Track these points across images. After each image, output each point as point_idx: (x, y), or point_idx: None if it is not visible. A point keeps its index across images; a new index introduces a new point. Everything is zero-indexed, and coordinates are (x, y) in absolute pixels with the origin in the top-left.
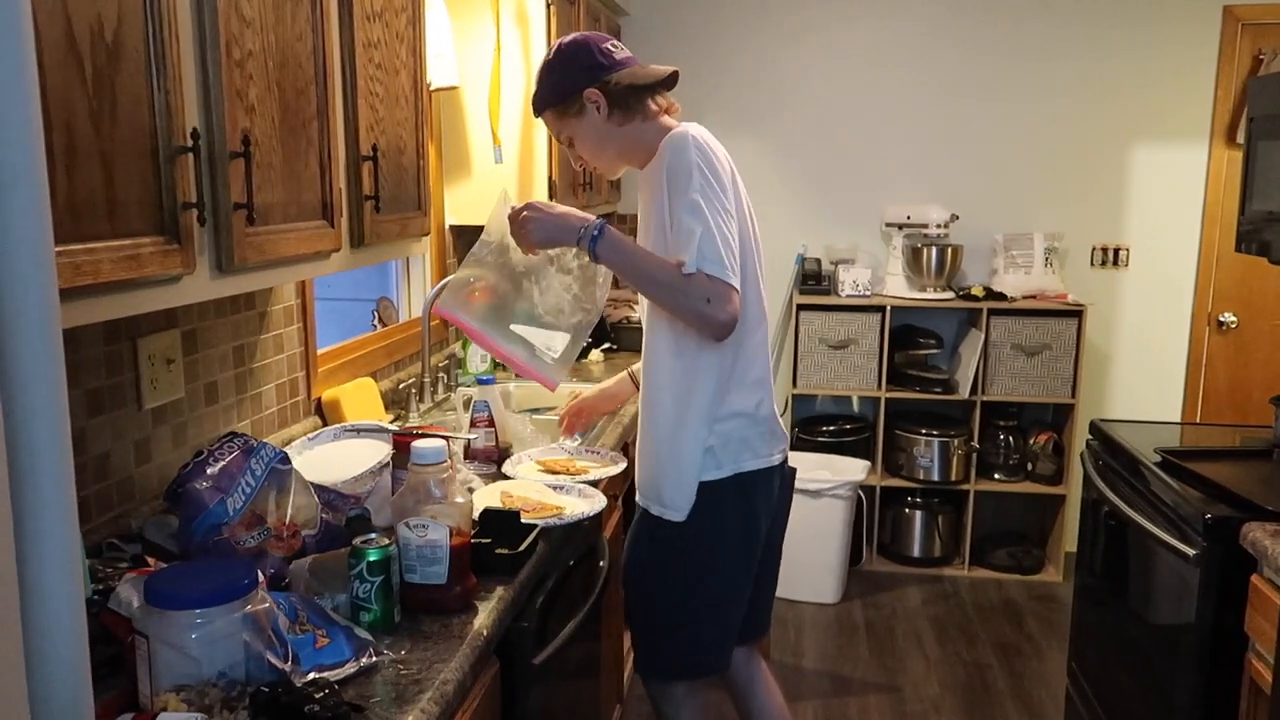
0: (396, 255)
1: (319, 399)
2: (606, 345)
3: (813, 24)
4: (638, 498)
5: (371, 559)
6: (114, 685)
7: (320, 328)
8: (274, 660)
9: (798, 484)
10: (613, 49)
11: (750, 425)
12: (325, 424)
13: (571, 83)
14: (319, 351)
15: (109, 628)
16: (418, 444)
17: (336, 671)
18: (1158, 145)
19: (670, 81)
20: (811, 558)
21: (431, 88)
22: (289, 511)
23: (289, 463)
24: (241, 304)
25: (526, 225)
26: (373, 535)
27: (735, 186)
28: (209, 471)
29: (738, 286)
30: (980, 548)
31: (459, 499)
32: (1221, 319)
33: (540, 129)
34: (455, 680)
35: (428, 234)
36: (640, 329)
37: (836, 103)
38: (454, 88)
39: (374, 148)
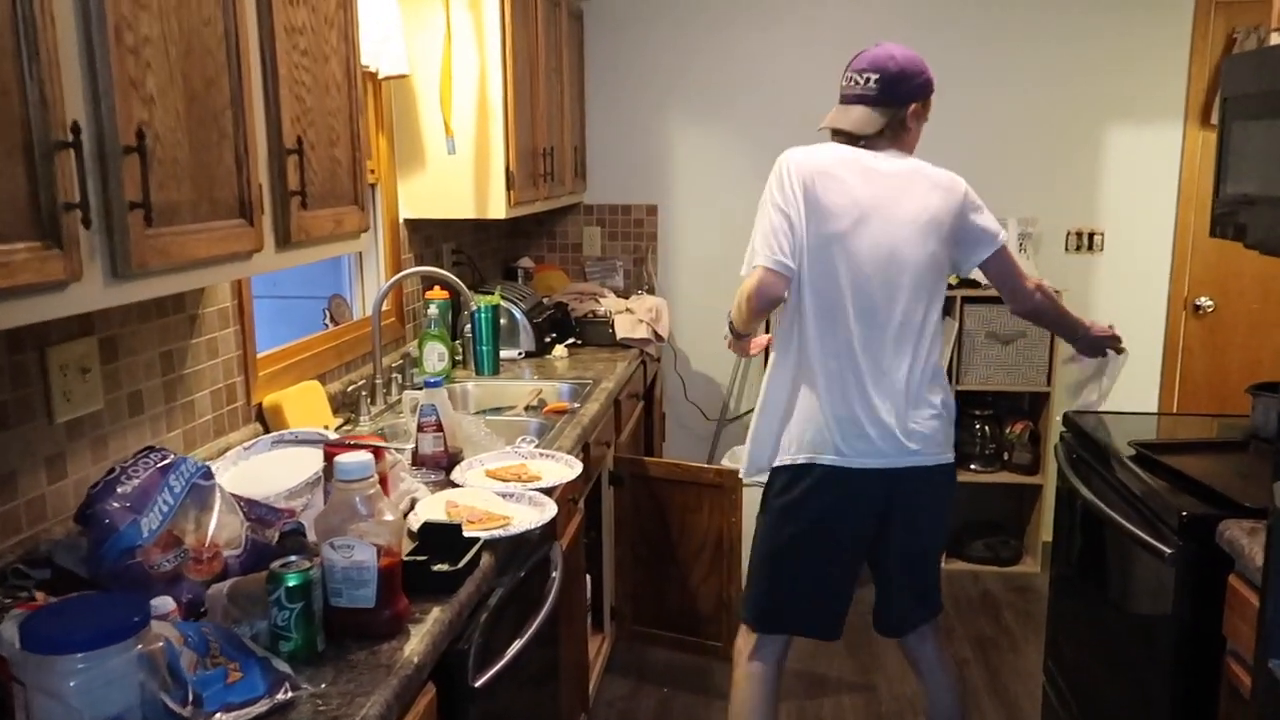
0: (331, 254)
1: (260, 405)
2: (571, 340)
3: (781, 10)
4: None
5: (290, 584)
6: None
7: (271, 328)
8: (170, 704)
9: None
10: None
11: (815, 422)
12: (267, 431)
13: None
14: (261, 354)
15: None
16: (340, 459)
17: (247, 710)
18: (1131, 127)
19: None
20: None
21: (380, 76)
22: (210, 531)
23: (212, 477)
24: (169, 307)
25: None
26: (293, 558)
27: (803, 187)
28: (121, 490)
29: (764, 264)
30: (957, 539)
31: (388, 515)
32: (1198, 304)
33: (496, 118)
34: (376, 716)
35: (366, 229)
36: (605, 323)
37: (806, 90)
38: (404, 76)
39: (300, 140)
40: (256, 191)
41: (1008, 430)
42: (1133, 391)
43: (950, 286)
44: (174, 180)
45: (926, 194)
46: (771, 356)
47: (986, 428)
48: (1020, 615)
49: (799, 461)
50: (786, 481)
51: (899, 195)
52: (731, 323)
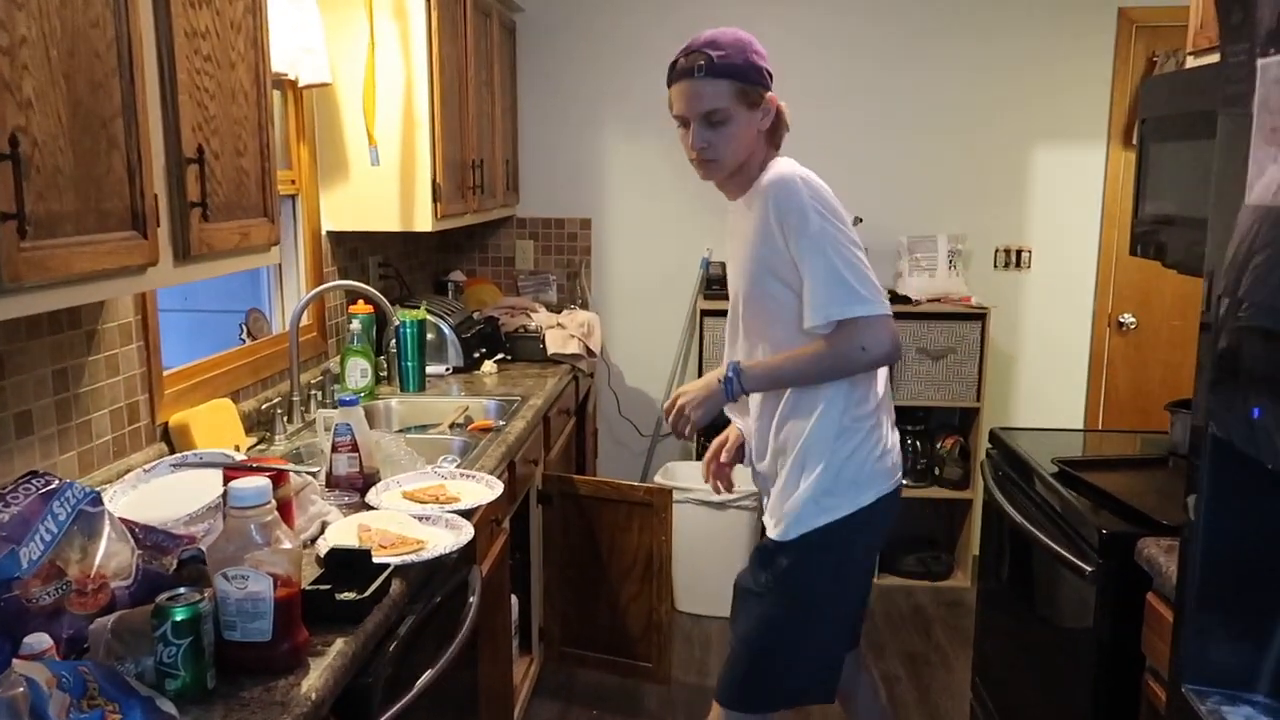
0: (238, 268)
1: (165, 424)
2: (500, 356)
3: (714, 22)
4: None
5: (177, 619)
6: None
7: (187, 343)
8: None
9: (703, 496)
10: None
11: (889, 440)
12: (173, 452)
13: (764, 76)
14: (169, 371)
15: None
16: (234, 484)
17: None
18: (1058, 147)
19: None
20: (718, 571)
21: (300, 85)
22: (97, 560)
23: (101, 504)
24: (63, 322)
25: (687, 415)
26: (181, 591)
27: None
28: None
29: (882, 310)
30: (889, 554)
31: (286, 544)
32: (1121, 320)
33: (423, 129)
34: None
35: (277, 243)
36: (535, 338)
37: None
38: (325, 85)
39: (201, 149)
40: (151, 202)
41: (938, 445)
42: (1059, 406)
43: None
44: (55, 190)
45: None
46: (808, 400)
47: (917, 443)
48: (950, 631)
49: (891, 487)
50: (869, 516)
51: None
52: (743, 385)
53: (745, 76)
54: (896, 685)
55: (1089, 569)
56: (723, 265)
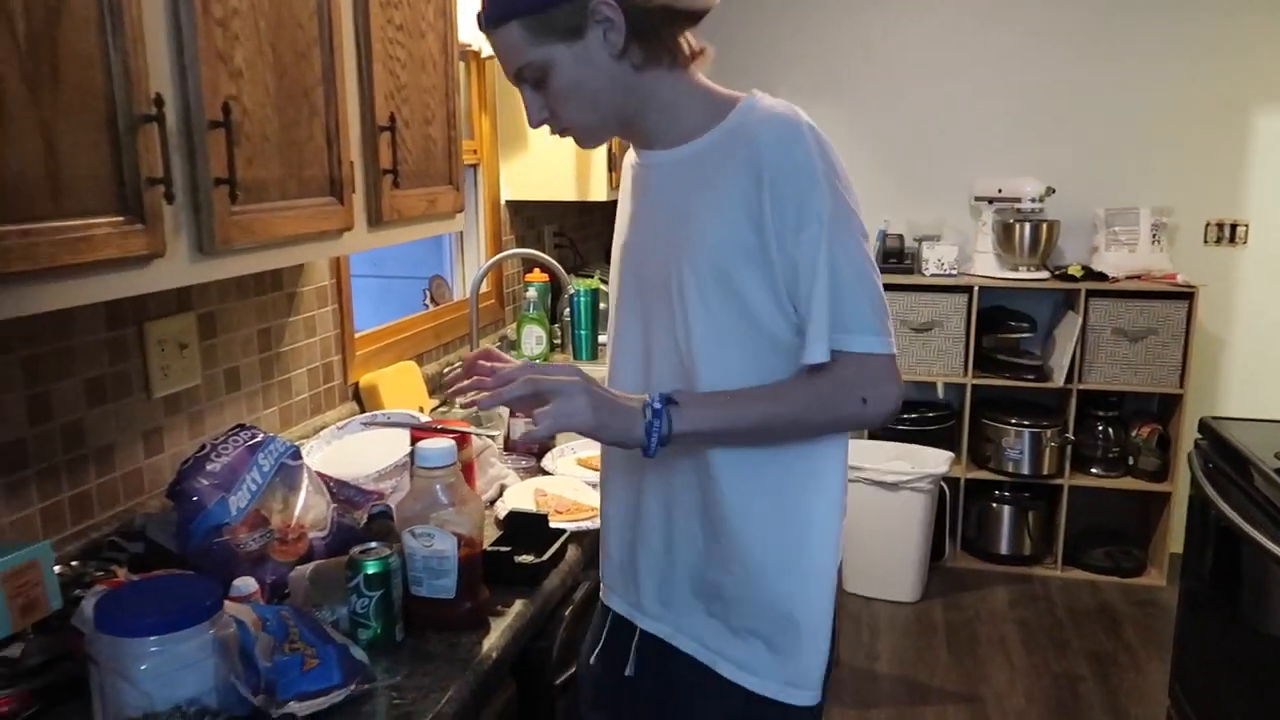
0: (425, 234)
1: (356, 384)
2: None
3: None
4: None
5: (369, 571)
6: (77, 710)
7: (372, 307)
8: (243, 691)
9: (876, 476)
10: None
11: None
12: (363, 410)
13: None
14: (359, 334)
15: (72, 645)
16: (421, 445)
17: (321, 700)
18: None
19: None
20: (889, 553)
21: (484, 55)
22: (297, 511)
23: (300, 458)
24: (267, 284)
25: (542, 425)
26: (373, 545)
27: None
28: (210, 468)
29: (894, 349)
30: (1074, 546)
31: (470, 504)
32: None
33: None
34: (452, 714)
35: (461, 210)
36: None
37: (923, 66)
38: None
39: (393, 117)
40: (348, 169)
41: (1134, 433)
42: (1276, 395)
43: (1074, 279)
44: (262, 157)
45: None
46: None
47: (1110, 430)
48: (1143, 630)
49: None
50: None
51: None
52: (673, 429)
53: (528, 4)
54: (1081, 684)
55: None
56: (900, 237)
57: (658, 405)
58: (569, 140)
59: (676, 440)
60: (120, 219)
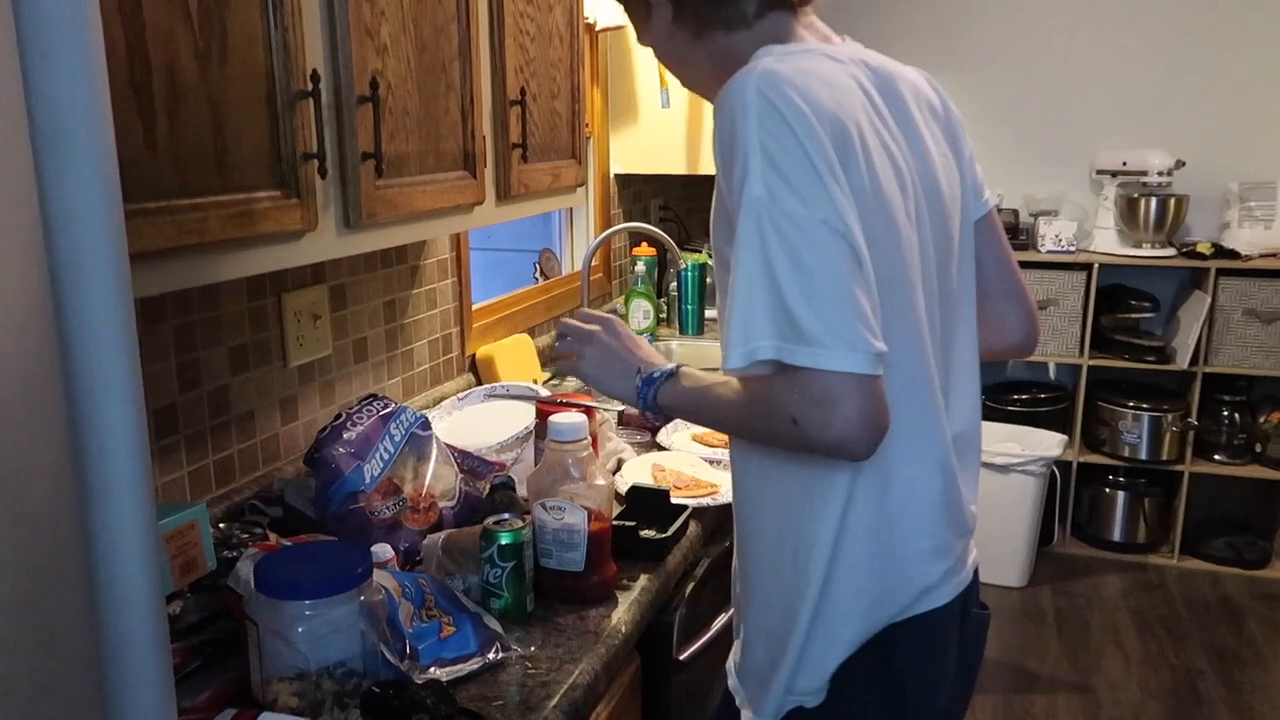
0: (548, 208)
1: (473, 356)
2: None
3: None
4: None
5: (503, 542)
6: (233, 666)
7: (482, 280)
8: (389, 656)
9: (985, 458)
10: None
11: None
12: (479, 382)
13: None
14: (474, 306)
15: (227, 605)
16: (555, 419)
17: (460, 667)
18: None
19: None
20: (997, 536)
21: (597, 28)
22: (427, 480)
23: (429, 428)
24: (393, 258)
25: (575, 363)
26: (506, 516)
27: (866, 150)
28: (346, 436)
29: (844, 363)
30: (1194, 535)
31: (600, 480)
32: None
33: None
34: (585, 685)
35: (583, 184)
36: None
37: (1039, 27)
38: (620, 28)
39: (522, 91)
40: (480, 143)
41: (1262, 419)
42: None
43: (1204, 256)
44: (403, 131)
45: None
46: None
47: (1236, 415)
48: (1268, 626)
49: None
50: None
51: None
52: (657, 398)
53: None
54: (1200, 680)
55: None
56: (1015, 212)
57: (656, 375)
58: (678, 113)
59: (663, 409)
60: (278, 193)
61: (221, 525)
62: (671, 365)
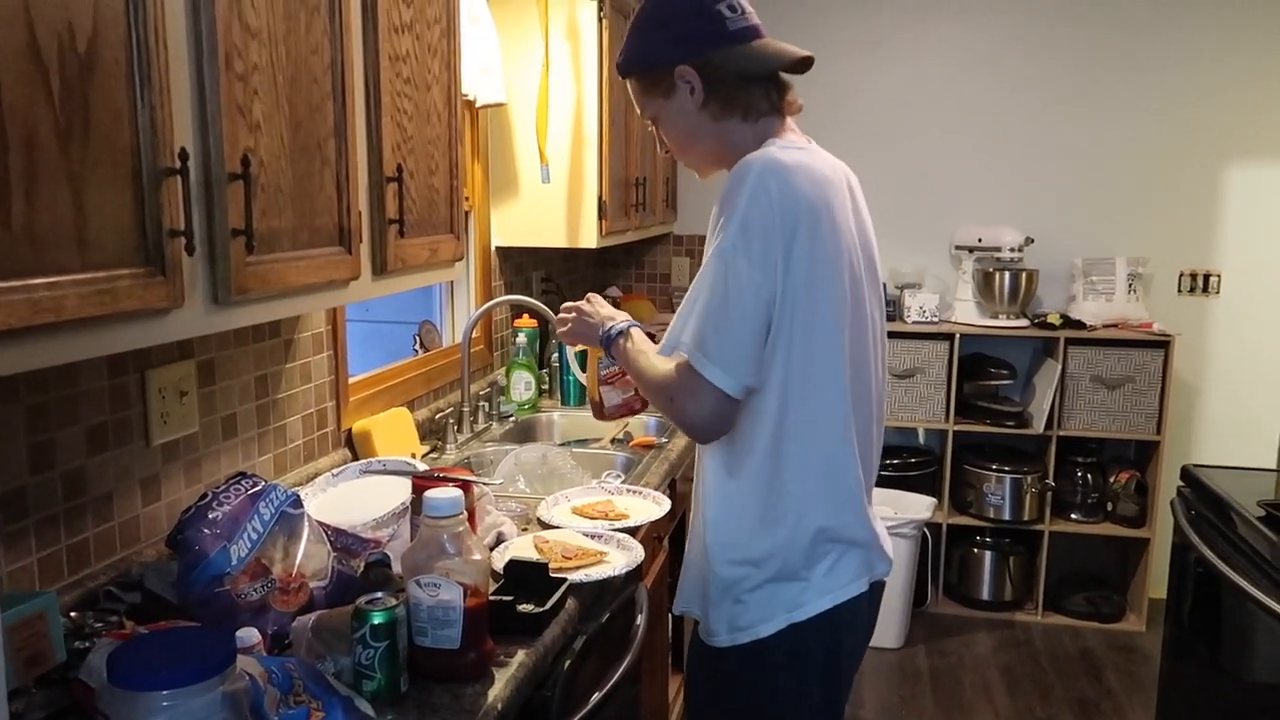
0: (426, 282)
1: (349, 431)
2: None
3: (879, 32)
4: None
5: (376, 622)
6: None
7: (361, 352)
8: None
9: None
10: (730, 11)
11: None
12: (356, 457)
13: (663, 52)
14: (352, 380)
15: (79, 699)
16: (430, 494)
17: None
18: (1255, 161)
19: (800, 67)
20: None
21: (477, 105)
22: (298, 560)
23: (301, 506)
24: (266, 332)
25: (570, 326)
26: (379, 595)
27: (833, 224)
28: (212, 516)
29: (716, 381)
30: (1055, 592)
31: (476, 555)
32: None
33: (591, 148)
34: None
35: (461, 258)
36: None
37: (904, 116)
38: (501, 104)
39: (399, 168)
40: (356, 219)
41: (1112, 479)
42: (1250, 443)
43: (1053, 327)
44: (276, 207)
45: None
46: None
47: (1089, 476)
48: (1124, 676)
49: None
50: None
51: None
52: (610, 347)
53: (643, 65)
54: None
55: None
56: (884, 285)
57: (613, 332)
58: (558, 188)
59: (614, 358)
60: (142, 271)
61: (74, 614)
62: (624, 324)
